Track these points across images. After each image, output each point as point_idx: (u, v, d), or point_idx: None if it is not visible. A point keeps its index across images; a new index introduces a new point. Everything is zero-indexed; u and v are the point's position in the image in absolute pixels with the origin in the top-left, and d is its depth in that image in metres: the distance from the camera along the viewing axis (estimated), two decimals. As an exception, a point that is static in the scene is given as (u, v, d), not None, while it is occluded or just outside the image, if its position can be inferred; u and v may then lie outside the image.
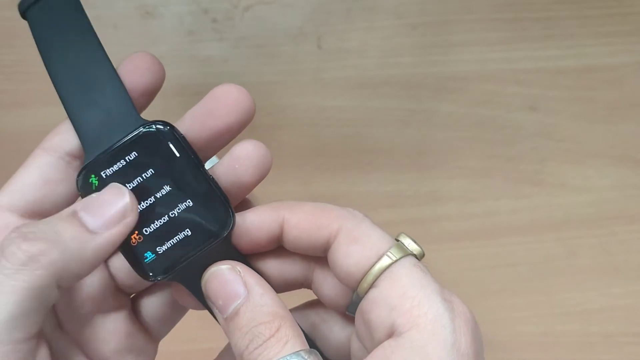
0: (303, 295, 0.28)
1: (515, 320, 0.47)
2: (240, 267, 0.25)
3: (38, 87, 0.45)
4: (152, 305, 0.28)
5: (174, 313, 0.29)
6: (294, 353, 0.23)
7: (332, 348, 0.28)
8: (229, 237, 0.26)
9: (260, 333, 0.23)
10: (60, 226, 0.23)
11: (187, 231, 0.25)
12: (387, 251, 0.24)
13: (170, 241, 0.25)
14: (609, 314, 0.47)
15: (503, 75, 0.47)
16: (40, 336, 0.23)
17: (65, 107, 0.25)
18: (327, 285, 0.26)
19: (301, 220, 0.25)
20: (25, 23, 0.27)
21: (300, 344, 0.23)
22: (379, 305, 0.24)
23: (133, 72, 0.26)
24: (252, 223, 0.26)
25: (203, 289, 0.25)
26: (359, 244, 0.24)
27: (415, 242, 0.25)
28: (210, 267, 0.25)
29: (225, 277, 0.25)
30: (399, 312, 0.23)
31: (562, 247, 0.47)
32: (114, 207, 0.24)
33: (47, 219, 0.24)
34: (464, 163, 0.47)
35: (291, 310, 0.28)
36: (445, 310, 0.23)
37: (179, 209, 0.25)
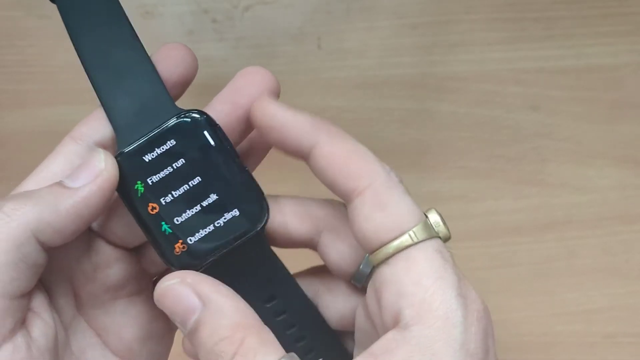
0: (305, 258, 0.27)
1: (516, 321, 0.47)
2: (191, 277, 0.23)
3: (38, 87, 0.45)
4: None
5: None
6: None
7: (335, 317, 0.27)
8: (262, 230, 0.25)
9: (222, 352, 0.22)
10: (42, 189, 0.24)
11: (220, 222, 0.25)
12: (410, 229, 0.23)
13: (202, 232, 0.25)
14: (610, 314, 0.47)
15: (503, 75, 0.47)
16: (27, 302, 0.23)
17: (97, 93, 0.25)
18: (335, 250, 0.26)
19: (334, 155, 0.24)
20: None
21: (269, 352, 0.22)
22: (389, 288, 0.23)
23: (166, 62, 0.25)
24: (286, 119, 0.24)
25: (158, 306, 0.24)
26: (383, 212, 0.23)
27: (443, 221, 0.24)
28: (158, 284, 0.24)
29: (176, 292, 0.23)
30: (409, 301, 0.22)
31: (563, 248, 0.47)
32: (90, 167, 0.24)
33: None
34: (464, 163, 0.47)
35: (295, 275, 0.27)
36: (458, 307, 0.22)
37: (211, 199, 0.24)
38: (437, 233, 0.23)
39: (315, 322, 0.28)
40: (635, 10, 0.48)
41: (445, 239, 0.24)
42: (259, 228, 0.25)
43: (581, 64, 0.48)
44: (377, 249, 0.23)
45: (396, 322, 0.22)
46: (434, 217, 0.24)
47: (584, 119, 0.48)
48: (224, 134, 0.25)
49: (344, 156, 0.24)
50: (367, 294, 0.25)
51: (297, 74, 0.46)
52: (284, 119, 0.24)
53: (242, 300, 0.23)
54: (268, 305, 0.26)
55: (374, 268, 0.24)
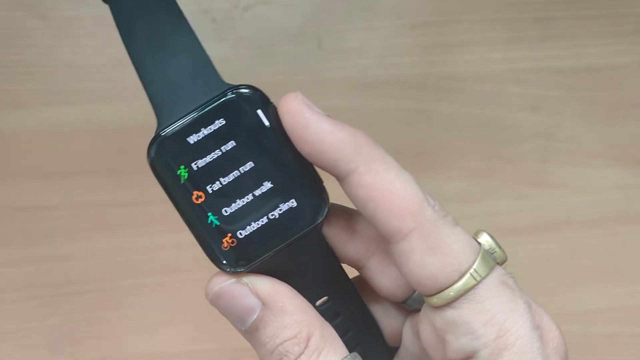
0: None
1: (516, 321, 0.47)
2: (247, 277, 0.22)
3: (38, 87, 0.45)
4: None
5: None
6: None
7: (384, 331, 0.26)
8: (321, 225, 0.22)
9: (288, 352, 0.21)
10: None
11: (275, 214, 0.22)
12: (470, 268, 0.21)
13: (254, 225, 0.22)
14: (610, 314, 0.46)
15: (503, 75, 0.47)
16: None
17: (134, 64, 0.22)
18: (386, 277, 0.24)
19: (375, 187, 0.21)
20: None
21: (333, 351, 0.21)
22: (459, 330, 0.21)
23: None
24: (322, 134, 0.21)
25: (212, 304, 0.22)
26: (436, 255, 0.21)
27: (496, 242, 0.22)
28: (210, 284, 0.22)
29: (233, 292, 0.22)
30: (483, 342, 0.20)
31: (563, 248, 0.47)
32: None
33: None
34: (464, 163, 0.47)
35: None
36: (534, 340, 0.20)
37: (265, 188, 0.22)
38: (495, 260, 0.21)
39: (371, 329, 0.26)
40: (635, 10, 0.48)
41: (503, 262, 0.22)
42: (318, 222, 0.22)
43: (581, 64, 0.48)
44: (435, 294, 0.21)
45: (466, 358, 0.21)
46: (487, 241, 0.22)
47: (584, 119, 0.48)
48: (277, 113, 0.22)
49: (386, 190, 0.21)
50: (421, 324, 0.23)
51: (297, 74, 0.46)
52: (320, 135, 0.21)
53: (302, 297, 0.22)
54: (322, 308, 0.24)
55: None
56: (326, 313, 0.24)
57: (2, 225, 0.44)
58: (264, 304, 0.21)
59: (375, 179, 0.21)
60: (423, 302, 0.23)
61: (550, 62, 0.48)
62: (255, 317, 0.21)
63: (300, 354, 0.21)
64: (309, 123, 0.21)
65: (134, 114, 0.43)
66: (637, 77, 0.48)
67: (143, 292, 0.44)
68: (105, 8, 0.25)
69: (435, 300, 0.21)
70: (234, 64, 0.46)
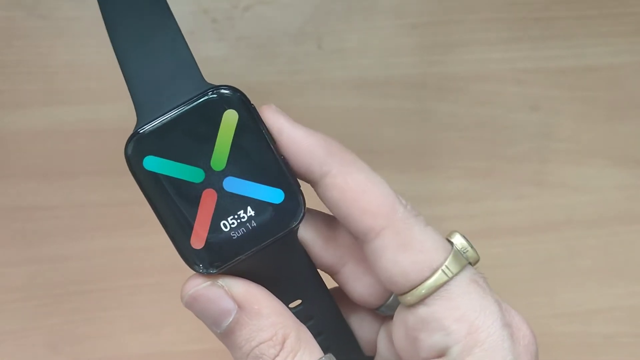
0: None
1: (516, 321, 0.47)
2: (222, 280, 0.22)
3: (38, 87, 0.45)
4: None
5: None
6: None
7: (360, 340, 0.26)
8: (297, 229, 0.22)
9: (264, 354, 0.21)
10: None
11: (250, 217, 0.22)
12: (442, 265, 0.21)
13: (228, 226, 0.22)
14: (610, 314, 0.47)
15: (503, 75, 0.47)
16: None
17: (119, 62, 0.22)
18: (361, 284, 0.24)
19: (348, 188, 0.21)
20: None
21: (309, 353, 0.21)
22: (431, 327, 0.21)
23: None
24: (295, 138, 0.21)
25: (187, 308, 0.22)
26: (408, 252, 0.21)
27: (469, 243, 0.22)
28: (186, 287, 0.22)
29: (208, 295, 0.22)
30: (455, 338, 0.21)
31: (563, 248, 0.47)
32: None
33: None
34: (464, 163, 0.47)
35: None
36: (505, 338, 0.21)
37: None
38: (467, 259, 0.22)
39: (344, 333, 0.26)
40: (635, 10, 0.48)
41: (475, 262, 0.23)
42: (293, 226, 0.22)
43: (581, 64, 0.48)
44: (408, 291, 0.21)
45: (439, 356, 0.21)
46: (459, 242, 0.22)
47: (584, 119, 0.48)
48: (259, 115, 0.22)
49: (359, 190, 0.21)
50: (394, 327, 0.23)
51: (297, 74, 0.46)
52: (293, 139, 0.21)
53: (277, 299, 0.22)
54: (295, 310, 0.24)
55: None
56: (298, 315, 0.24)
57: (2, 225, 0.44)
58: (240, 306, 0.22)
59: (348, 180, 0.21)
60: (396, 308, 0.23)
61: (550, 62, 0.48)
62: (230, 320, 0.22)
63: (275, 356, 0.21)
64: (283, 128, 0.22)
65: (133, 114, 0.43)
66: (637, 77, 0.48)
67: (143, 292, 0.44)
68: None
69: (408, 298, 0.21)
70: (234, 64, 0.46)
